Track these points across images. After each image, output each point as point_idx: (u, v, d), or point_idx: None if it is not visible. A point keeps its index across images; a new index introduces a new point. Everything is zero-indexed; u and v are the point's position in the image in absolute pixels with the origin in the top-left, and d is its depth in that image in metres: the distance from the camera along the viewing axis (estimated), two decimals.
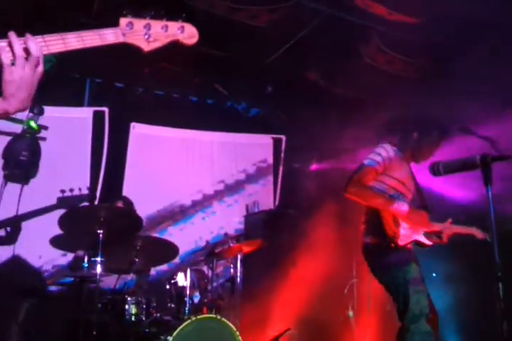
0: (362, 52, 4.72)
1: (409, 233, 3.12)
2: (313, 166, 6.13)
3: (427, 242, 3.19)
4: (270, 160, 6.37)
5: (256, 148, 6.35)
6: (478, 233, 3.39)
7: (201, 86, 5.84)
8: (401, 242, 3.07)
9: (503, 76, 3.94)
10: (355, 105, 5.08)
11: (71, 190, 4.40)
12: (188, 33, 1.94)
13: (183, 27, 1.94)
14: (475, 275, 4.42)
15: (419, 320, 2.92)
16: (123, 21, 1.83)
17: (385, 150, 3.20)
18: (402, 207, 3.05)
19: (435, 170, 2.44)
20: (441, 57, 4.42)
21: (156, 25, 1.88)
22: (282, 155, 6.34)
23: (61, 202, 4.75)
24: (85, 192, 4.83)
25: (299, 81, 5.50)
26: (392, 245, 3.02)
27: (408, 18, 4.19)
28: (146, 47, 1.86)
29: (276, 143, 6.37)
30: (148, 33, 1.86)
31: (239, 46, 5.03)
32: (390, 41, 4.60)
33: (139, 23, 1.85)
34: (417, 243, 3.17)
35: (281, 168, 6.32)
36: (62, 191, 4.40)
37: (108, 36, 1.79)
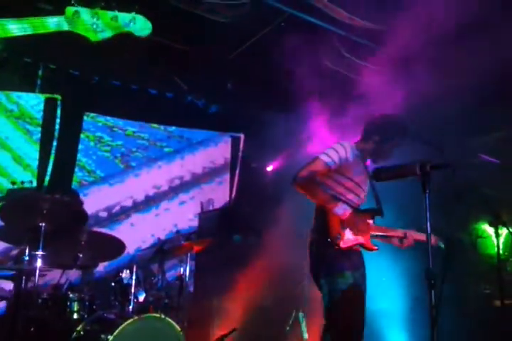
0: (322, 55, 4.72)
1: (354, 236, 3.10)
2: (271, 165, 6.11)
3: (372, 246, 3.18)
4: (228, 158, 6.31)
5: (214, 145, 6.28)
6: (435, 240, 3.38)
7: (161, 79, 5.72)
8: (343, 244, 3.04)
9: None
10: (313, 106, 5.08)
11: (22, 183, 4.23)
12: (139, 25, 1.96)
13: (134, 18, 1.96)
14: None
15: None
16: (69, 10, 1.84)
17: (344, 149, 3.12)
18: (342, 211, 2.98)
19: (377, 176, 2.43)
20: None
21: (105, 16, 1.90)
22: (240, 153, 6.29)
23: (10, 194, 4.54)
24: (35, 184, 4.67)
25: (259, 79, 5.46)
26: (336, 247, 3.00)
27: (368, 24, 4.21)
28: (93, 36, 1.88)
29: (235, 141, 6.32)
30: (96, 23, 1.88)
31: (201, 41, 4.95)
32: (351, 46, 4.62)
33: (87, 13, 1.87)
34: (362, 246, 3.15)
35: (238, 167, 6.27)
36: (13, 183, 4.21)
37: (52, 24, 1.81)
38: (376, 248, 3.17)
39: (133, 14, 1.93)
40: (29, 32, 1.74)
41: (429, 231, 2.22)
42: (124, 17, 1.91)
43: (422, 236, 3.29)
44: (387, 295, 4.75)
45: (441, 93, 4.29)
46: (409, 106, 4.24)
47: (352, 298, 2.97)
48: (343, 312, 2.95)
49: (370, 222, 3.20)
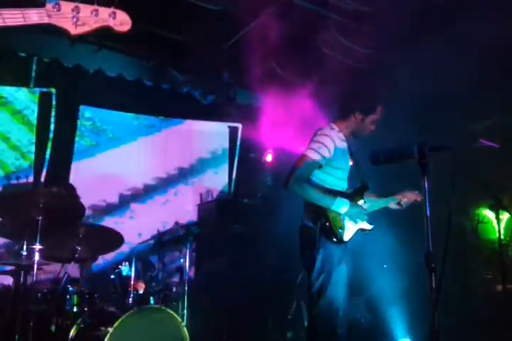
0: (319, 41, 4.66)
1: (353, 225, 3.07)
2: (269, 156, 6.07)
3: (368, 227, 3.16)
4: (226, 148, 6.27)
5: (212, 135, 6.24)
6: (411, 195, 3.33)
7: (157, 70, 5.67)
8: (346, 238, 3.01)
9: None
10: (311, 93, 5.03)
11: (17, 178, 4.22)
12: (119, 20, 1.96)
13: (114, 13, 1.96)
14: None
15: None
16: (50, 2, 1.85)
17: (330, 140, 2.99)
18: (341, 206, 2.93)
19: (375, 160, 2.38)
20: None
21: (86, 10, 1.90)
22: (238, 143, 6.25)
23: (6, 190, 4.57)
24: (31, 179, 4.65)
25: (256, 69, 5.40)
26: (337, 240, 2.96)
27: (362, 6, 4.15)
28: (73, 30, 1.87)
29: (233, 131, 6.28)
30: (76, 17, 1.88)
31: (195, 30, 4.89)
32: (347, 30, 4.55)
33: (67, 6, 1.87)
34: (361, 230, 3.14)
35: (236, 157, 6.23)
36: (8, 178, 4.20)
37: (32, 16, 1.80)
38: (371, 227, 3.16)
39: (112, 8, 1.94)
40: (9, 24, 1.72)
41: (428, 215, 2.18)
42: (104, 11, 1.92)
43: (412, 195, 3.30)
44: (388, 280, 4.74)
45: (442, 74, 4.23)
46: (410, 88, 4.20)
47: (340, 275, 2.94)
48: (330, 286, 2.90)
49: (361, 201, 3.17)
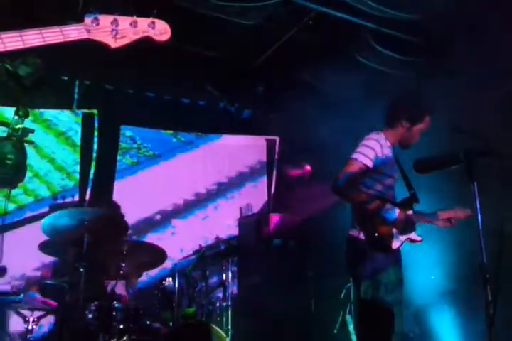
0: (353, 50, 4.62)
1: (401, 235, 3.00)
2: (308, 167, 6.02)
3: (417, 238, 3.07)
4: (264, 161, 6.27)
5: (249, 149, 6.26)
6: (461, 213, 3.16)
7: (193, 87, 5.76)
8: (394, 246, 2.94)
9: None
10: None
11: (63, 197, 4.33)
12: (159, 29, 1.91)
13: (153, 23, 1.91)
14: None
15: None
16: (88, 17, 1.81)
17: (379, 144, 2.97)
18: (390, 213, 2.87)
19: (420, 168, 2.32)
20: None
21: (125, 22, 1.86)
22: (276, 156, 6.24)
23: (53, 209, 4.67)
24: (77, 198, 4.77)
25: (290, 81, 5.42)
26: (384, 250, 2.88)
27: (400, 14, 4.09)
28: (113, 43, 1.84)
29: (270, 144, 6.28)
30: (115, 30, 1.84)
31: (229, 46, 4.96)
32: (382, 38, 4.50)
33: (106, 20, 1.83)
34: (409, 241, 3.05)
35: (275, 170, 6.22)
36: (54, 198, 4.33)
37: (71, 33, 1.77)
38: (420, 239, 3.06)
39: (151, 18, 1.89)
40: (49, 42, 1.71)
41: (479, 222, 2.09)
42: (142, 22, 1.87)
43: (449, 214, 3.15)
44: (436, 292, 4.58)
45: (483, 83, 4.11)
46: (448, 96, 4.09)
47: (394, 292, 2.85)
48: (382, 310, 2.82)
49: (410, 212, 3.09)
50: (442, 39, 4.28)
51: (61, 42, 1.73)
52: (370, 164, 2.92)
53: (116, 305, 3.80)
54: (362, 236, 2.92)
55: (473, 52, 4.01)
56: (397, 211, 2.91)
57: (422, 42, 4.44)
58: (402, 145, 3.19)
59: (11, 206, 4.70)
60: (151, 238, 5.24)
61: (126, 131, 5.64)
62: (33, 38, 1.67)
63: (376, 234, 2.87)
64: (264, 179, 6.23)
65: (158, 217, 5.57)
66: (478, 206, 1.99)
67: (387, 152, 3.05)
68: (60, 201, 4.90)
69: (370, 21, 4.43)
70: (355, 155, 2.96)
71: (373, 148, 2.96)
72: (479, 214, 1.98)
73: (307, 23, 4.59)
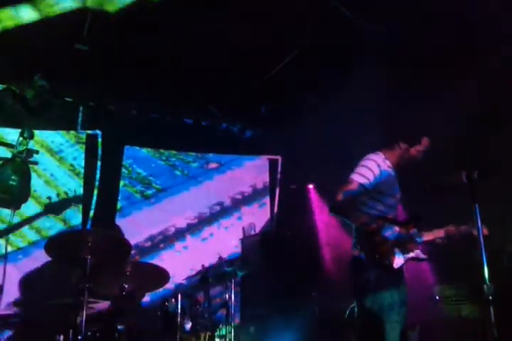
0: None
1: (404, 255, 2.99)
2: (311, 186, 6.05)
3: (422, 256, 3.05)
4: (266, 181, 6.30)
5: (252, 169, 6.29)
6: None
7: (195, 108, 5.83)
8: (396, 266, 2.93)
9: None
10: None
11: (58, 195, 4.34)
12: None
13: None
14: None
15: None
16: None
17: (377, 165, 2.98)
18: (390, 232, 2.87)
19: (425, 189, 2.33)
20: None
21: None
22: (279, 176, 6.27)
23: (48, 209, 4.55)
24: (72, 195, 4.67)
25: (292, 101, 5.48)
26: (387, 270, 2.87)
27: None
28: (112, 7, 1.77)
29: (273, 163, 6.31)
30: None
31: (230, 67, 5.02)
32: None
33: None
34: (412, 259, 3.04)
35: (277, 189, 6.24)
36: (49, 198, 4.33)
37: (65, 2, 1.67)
38: (425, 256, 3.04)
39: None
40: (43, 14, 1.66)
41: (481, 243, 2.09)
42: None
43: (464, 229, 3.12)
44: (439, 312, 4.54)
45: None
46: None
47: (398, 312, 2.83)
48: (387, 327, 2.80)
49: (414, 230, 3.08)
50: None
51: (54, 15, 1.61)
52: (368, 184, 2.93)
53: (119, 326, 3.78)
54: (363, 256, 2.92)
55: None
56: (396, 230, 2.91)
57: None
58: (401, 166, 3.21)
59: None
60: (154, 259, 5.23)
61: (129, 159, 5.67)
62: (28, 14, 1.59)
63: (377, 255, 2.87)
64: (267, 198, 6.24)
65: (160, 238, 5.57)
66: (480, 227, 1.99)
67: (387, 172, 3.07)
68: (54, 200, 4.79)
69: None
70: (353, 176, 2.97)
71: (370, 167, 2.98)
72: (481, 236, 1.98)
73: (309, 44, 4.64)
